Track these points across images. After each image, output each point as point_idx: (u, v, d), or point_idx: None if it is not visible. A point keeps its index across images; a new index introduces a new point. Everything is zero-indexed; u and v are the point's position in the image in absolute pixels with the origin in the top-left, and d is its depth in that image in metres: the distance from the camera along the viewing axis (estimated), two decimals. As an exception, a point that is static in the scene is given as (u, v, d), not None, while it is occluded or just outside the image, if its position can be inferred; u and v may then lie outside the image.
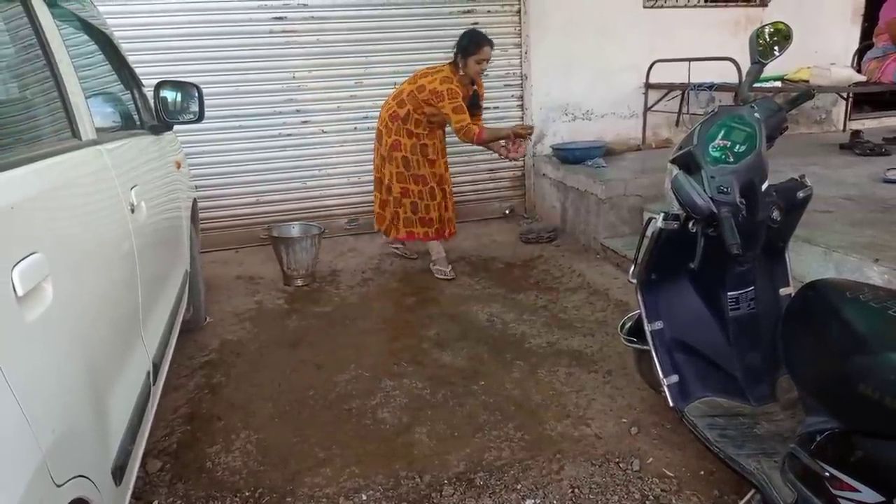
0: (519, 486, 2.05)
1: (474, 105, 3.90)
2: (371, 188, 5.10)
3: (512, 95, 5.32)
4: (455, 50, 3.80)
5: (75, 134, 1.63)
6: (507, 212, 5.42)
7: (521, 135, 3.86)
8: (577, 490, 2.02)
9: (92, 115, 1.78)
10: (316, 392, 2.69)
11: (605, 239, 4.25)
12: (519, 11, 5.14)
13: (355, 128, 5.00)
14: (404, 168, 3.88)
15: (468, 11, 5.03)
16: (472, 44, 3.70)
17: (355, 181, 5.11)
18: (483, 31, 4.96)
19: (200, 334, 3.28)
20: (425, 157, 3.89)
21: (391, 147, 3.87)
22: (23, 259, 1.08)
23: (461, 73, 3.75)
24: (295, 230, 4.14)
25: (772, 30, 2.06)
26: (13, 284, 1.03)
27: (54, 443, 1.05)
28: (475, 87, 3.90)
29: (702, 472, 2.08)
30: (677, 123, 5.62)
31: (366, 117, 4.98)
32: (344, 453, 2.26)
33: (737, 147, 1.85)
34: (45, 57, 1.57)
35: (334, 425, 2.44)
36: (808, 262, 2.87)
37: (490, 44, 3.73)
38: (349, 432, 2.39)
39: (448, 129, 3.95)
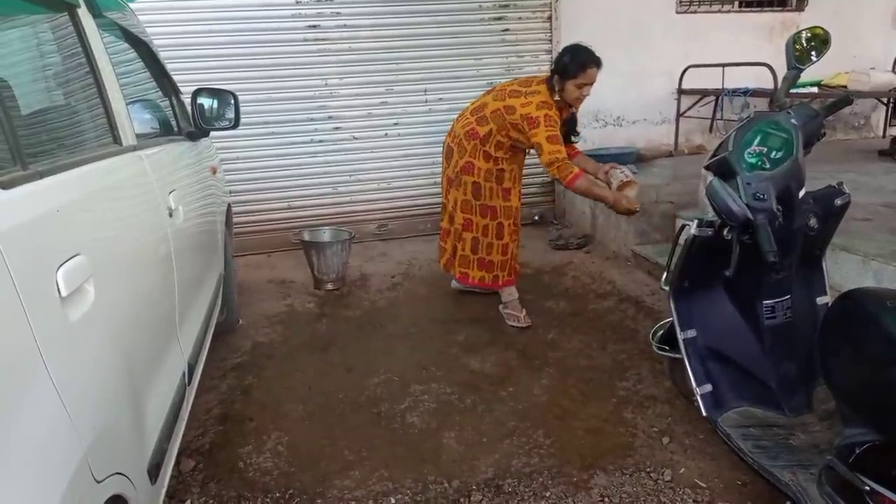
0: (548, 494, 2.03)
1: (572, 131, 3.29)
2: (401, 193, 5.21)
3: (542, 101, 5.30)
4: (552, 67, 3.15)
5: (116, 140, 1.68)
6: (536, 218, 5.40)
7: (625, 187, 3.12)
8: (607, 499, 2.00)
9: (132, 121, 1.83)
10: (345, 395, 2.70)
11: (636, 246, 4.21)
12: (550, 18, 5.13)
13: (385, 134, 5.04)
14: (473, 196, 3.25)
15: (499, 18, 5.04)
16: (574, 64, 2.97)
17: (385, 187, 5.15)
18: (517, 37, 5.06)
19: (233, 336, 3.33)
20: (500, 186, 3.22)
21: (462, 169, 3.23)
22: (66, 261, 1.12)
23: (556, 96, 3.06)
24: (326, 235, 4.18)
25: (809, 34, 2.03)
26: (57, 285, 1.07)
27: (95, 440, 1.08)
28: (573, 108, 3.23)
29: (736, 483, 2.04)
30: (711, 129, 5.55)
31: (396, 123, 5.02)
32: (373, 457, 2.27)
33: (773, 153, 1.83)
34: (89, 66, 1.62)
35: (363, 428, 2.46)
36: (845, 271, 2.81)
37: (597, 63, 2.99)
38: (378, 436, 2.40)
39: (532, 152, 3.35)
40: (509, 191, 3.28)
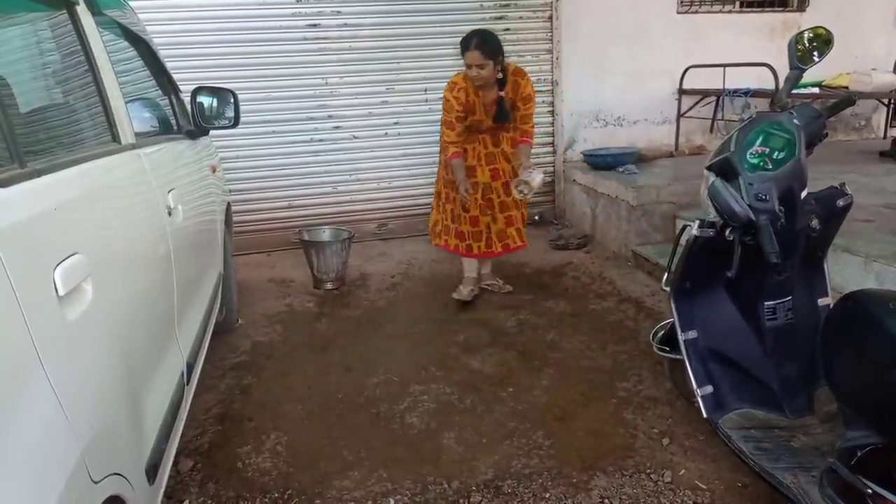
0: (548, 495, 2.03)
1: (499, 113, 3.37)
2: (401, 193, 5.19)
3: (543, 101, 5.28)
4: None
5: (115, 138, 1.67)
6: (536, 217, 5.39)
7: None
8: (607, 501, 1.99)
9: (131, 119, 1.82)
10: (345, 395, 2.70)
11: (636, 246, 4.20)
12: (551, 17, 5.13)
13: (386, 133, 5.03)
14: (447, 174, 3.56)
15: (500, 18, 5.03)
16: (460, 46, 3.25)
17: (385, 186, 5.14)
18: (518, 37, 5.05)
19: (232, 336, 3.32)
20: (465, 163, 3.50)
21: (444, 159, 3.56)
22: (64, 259, 1.11)
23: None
24: (325, 234, 4.18)
25: (811, 35, 2.02)
26: (55, 284, 1.06)
27: (92, 440, 1.07)
28: (501, 92, 3.32)
29: (736, 485, 2.03)
30: (711, 130, 5.54)
31: (396, 123, 5.01)
32: (372, 457, 2.26)
33: (775, 154, 1.82)
34: (88, 64, 1.61)
35: (363, 429, 2.45)
36: (847, 272, 2.80)
37: (476, 47, 3.15)
38: (377, 436, 2.40)
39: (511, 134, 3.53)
40: (474, 168, 3.50)
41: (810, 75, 2.75)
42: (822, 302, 2.08)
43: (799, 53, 2.00)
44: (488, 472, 2.15)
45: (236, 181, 4.69)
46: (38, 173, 1.13)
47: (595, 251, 4.57)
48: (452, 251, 3.69)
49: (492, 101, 3.36)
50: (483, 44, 3.16)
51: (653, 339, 2.33)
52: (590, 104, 5.41)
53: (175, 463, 2.14)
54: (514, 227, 3.62)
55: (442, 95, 3.42)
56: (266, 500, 2.06)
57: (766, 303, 1.96)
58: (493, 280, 3.84)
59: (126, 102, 1.81)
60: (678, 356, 2.10)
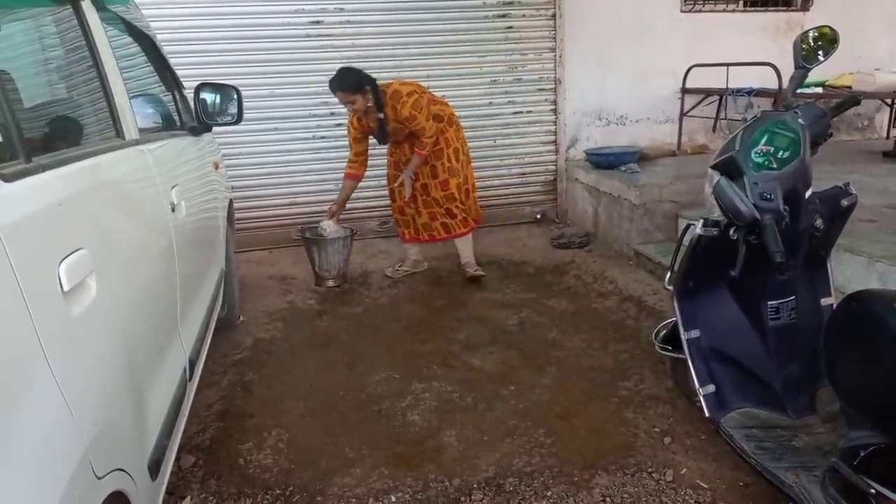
0: (549, 493, 2.03)
1: (380, 135, 3.81)
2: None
3: (545, 100, 5.29)
4: None
5: (119, 134, 1.67)
6: (538, 216, 5.39)
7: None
8: (608, 499, 1.99)
9: (135, 115, 1.82)
10: (346, 392, 2.70)
11: (638, 245, 4.20)
12: (554, 16, 5.12)
13: (388, 131, 5.02)
14: (392, 168, 4.12)
15: (503, 16, 5.03)
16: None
17: (387, 184, 5.12)
18: (521, 35, 5.05)
19: (234, 332, 3.32)
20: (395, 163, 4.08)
21: None
22: (69, 255, 1.11)
23: None
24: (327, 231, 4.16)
25: (816, 34, 2.02)
26: (59, 279, 1.06)
27: (96, 435, 1.07)
28: (381, 115, 3.66)
29: (738, 485, 2.03)
30: (714, 129, 5.54)
31: (399, 120, 5.00)
32: (373, 454, 2.26)
33: (780, 153, 1.82)
34: (92, 59, 1.61)
35: (364, 426, 2.45)
36: (850, 272, 2.80)
37: (337, 89, 3.62)
38: (379, 433, 2.40)
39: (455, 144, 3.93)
40: (400, 167, 3.94)
41: (813, 75, 2.72)
42: (825, 302, 2.08)
43: (804, 53, 1.99)
44: (490, 470, 2.15)
45: (238, 178, 4.68)
46: (43, 168, 1.13)
47: (597, 250, 4.57)
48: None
49: (376, 124, 3.75)
50: (342, 85, 3.59)
51: (655, 339, 2.33)
52: (592, 103, 5.40)
53: (177, 459, 2.14)
54: (437, 222, 3.97)
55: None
56: (267, 496, 2.06)
57: (769, 302, 1.96)
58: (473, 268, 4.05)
59: (130, 98, 1.81)
60: (680, 355, 2.10)
